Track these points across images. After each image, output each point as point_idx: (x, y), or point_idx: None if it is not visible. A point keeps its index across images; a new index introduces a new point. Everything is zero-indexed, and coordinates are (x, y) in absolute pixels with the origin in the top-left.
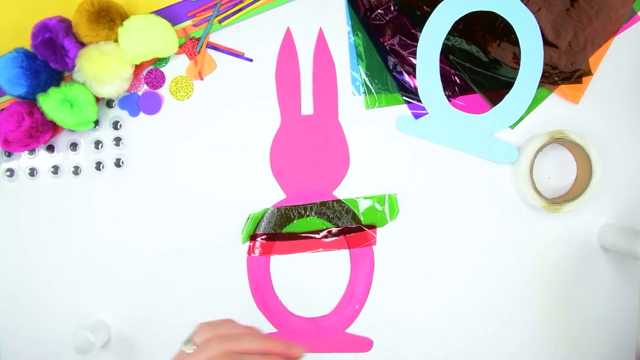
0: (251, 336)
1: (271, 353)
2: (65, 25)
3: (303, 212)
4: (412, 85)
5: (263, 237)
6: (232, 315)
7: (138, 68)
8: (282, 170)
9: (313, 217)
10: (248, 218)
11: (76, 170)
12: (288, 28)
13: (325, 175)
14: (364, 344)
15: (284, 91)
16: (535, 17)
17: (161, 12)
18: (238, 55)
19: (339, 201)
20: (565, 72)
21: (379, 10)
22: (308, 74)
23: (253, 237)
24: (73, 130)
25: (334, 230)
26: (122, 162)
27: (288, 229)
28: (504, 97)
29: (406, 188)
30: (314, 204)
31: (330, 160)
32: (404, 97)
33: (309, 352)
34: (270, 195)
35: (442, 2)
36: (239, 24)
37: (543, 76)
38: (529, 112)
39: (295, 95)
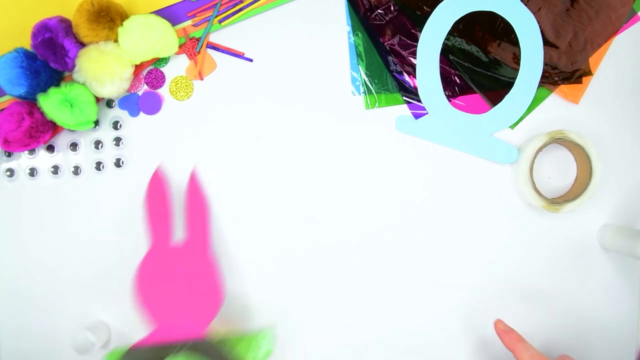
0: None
1: None
2: (65, 25)
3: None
4: (412, 85)
5: None
6: (233, 316)
7: (138, 68)
8: (149, 302)
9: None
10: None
11: (76, 170)
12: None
13: (196, 312)
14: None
15: (153, 220)
16: (535, 17)
17: (161, 12)
18: (238, 55)
19: (209, 341)
20: (565, 72)
21: (379, 10)
22: (307, 72)
23: None
24: (73, 130)
25: None
26: (122, 162)
27: None
28: (504, 97)
29: (406, 188)
30: (185, 343)
31: (201, 297)
32: (404, 97)
33: None
34: (272, 196)
35: (442, 2)
36: (239, 24)
37: (543, 76)
38: (529, 112)
39: (166, 225)
